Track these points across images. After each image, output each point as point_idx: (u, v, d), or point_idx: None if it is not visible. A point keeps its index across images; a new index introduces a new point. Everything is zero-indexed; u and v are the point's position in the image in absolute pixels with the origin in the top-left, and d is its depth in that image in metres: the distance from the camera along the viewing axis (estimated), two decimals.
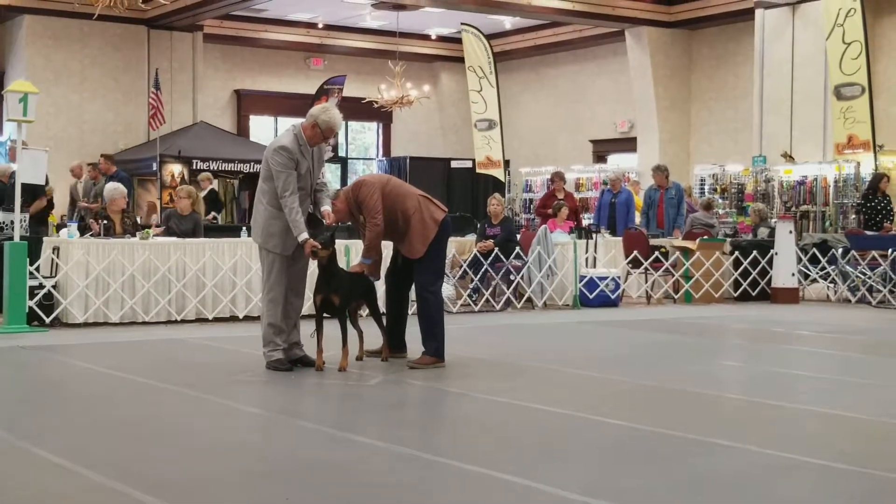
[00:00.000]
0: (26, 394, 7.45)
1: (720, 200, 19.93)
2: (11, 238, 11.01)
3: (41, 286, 10.91)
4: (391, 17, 24.09)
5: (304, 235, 7.86)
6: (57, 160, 18.69)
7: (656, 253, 14.58)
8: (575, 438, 5.94)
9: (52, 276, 11.11)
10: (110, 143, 22.03)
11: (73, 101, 22.22)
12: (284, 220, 7.93)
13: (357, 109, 25.22)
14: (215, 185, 18.37)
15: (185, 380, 7.66)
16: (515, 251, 13.51)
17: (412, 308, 8.96)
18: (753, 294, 14.94)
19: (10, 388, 7.66)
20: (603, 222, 16.49)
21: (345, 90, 24.77)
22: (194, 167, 20.55)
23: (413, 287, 8.57)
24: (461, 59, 24.83)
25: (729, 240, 15.77)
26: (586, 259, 14.26)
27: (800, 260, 15.08)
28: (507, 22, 25.23)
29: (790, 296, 14.76)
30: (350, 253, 11.93)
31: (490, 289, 13.44)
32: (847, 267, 14.79)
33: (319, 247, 7.87)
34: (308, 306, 9.08)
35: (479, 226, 14.60)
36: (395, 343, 8.69)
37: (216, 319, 11.68)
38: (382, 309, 8.83)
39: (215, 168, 20.82)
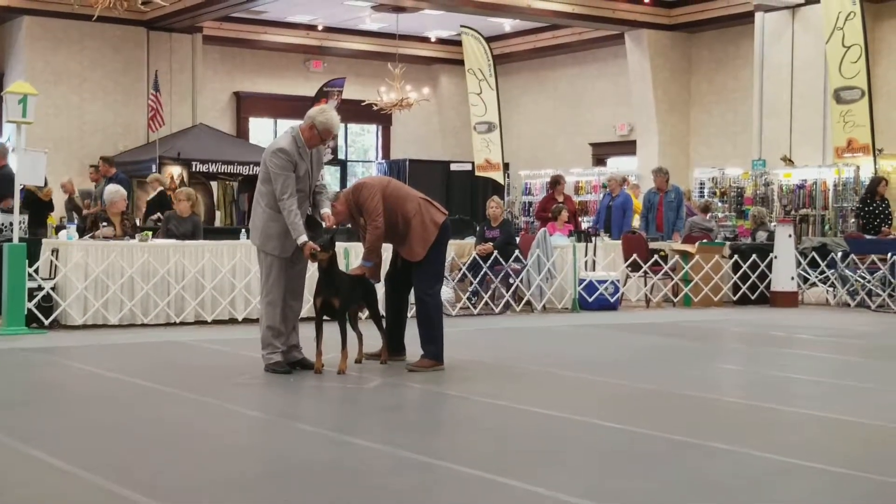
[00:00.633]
0: (25, 396, 7.43)
1: (719, 204, 19.94)
2: (10, 240, 11.01)
3: (40, 288, 10.90)
4: (391, 20, 24.10)
5: (303, 238, 7.84)
6: (56, 162, 18.72)
7: (655, 256, 14.58)
8: (574, 442, 5.94)
9: (52, 278, 11.10)
10: (110, 144, 22.02)
11: (72, 103, 22.21)
12: (283, 223, 7.91)
13: (356, 112, 25.23)
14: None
15: (184, 382, 7.65)
16: (514, 254, 13.51)
17: (411, 311, 8.95)
18: (752, 298, 14.94)
19: (9, 390, 7.65)
20: (601, 225, 16.49)
21: (344, 92, 24.79)
22: (193, 169, 20.55)
23: (412, 290, 8.56)
24: (461, 62, 24.83)
25: (728, 243, 15.78)
26: (585, 262, 14.26)
27: (799, 264, 15.07)
28: (507, 24, 25.24)
29: (789, 299, 14.76)
30: (349, 255, 11.92)
31: (489, 292, 13.43)
32: (846, 271, 14.79)
33: (318, 249, 7.86)
34: (307, 309, 9.08)
35: (478, 229, 14.60)
36: (394, 346, 8.68)
37: (215, 322, 11.67)
38: (382, 312, 8.82)
39: (214, 170, 20.82)
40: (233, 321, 11.79)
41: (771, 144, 20.32)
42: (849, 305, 14.76)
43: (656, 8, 22.88)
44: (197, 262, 11.70)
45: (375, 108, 23.98)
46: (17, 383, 8.04)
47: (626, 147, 24.77)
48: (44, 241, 11.78)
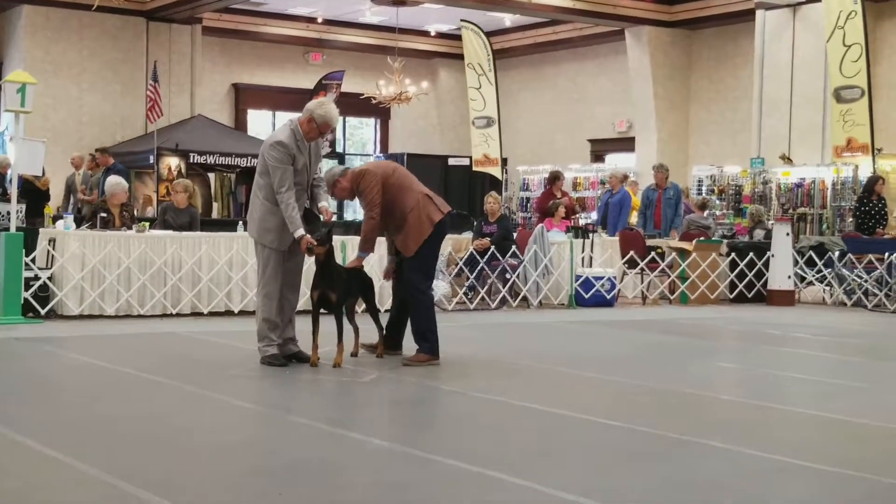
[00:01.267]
0: (20, 385, 7.43)
1: (717, 202, 19.93)
2: (7, 229, 10.99)
3: (37, 278, 10.89)
4: (391, 13, 24.05)
5: (301, 231, 7.83)
6: (55, 152, 18.66)
7: (653, 253, 14.58)
8: (569, 438, 5.93)
9: (48, 268, 11.09)
10: (108, 134, 21.99)
11: (71, 93, 22.16)
12: (281, 216, 7.90)
13: (355, 105, 25.16)
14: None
15: (180, 374, 7.65)
16: (511, 250, 13.50)
17: None
18: (749, 296, 14.94)
19: (4, 380, 7.64)
20: (599, 222, 16.50)
21: (343, 85, 24.74)
22: (191, 160, 20.51)
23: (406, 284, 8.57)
24: (460, 56, 24.80)
25: (725, 241, 15.78)
26: (582, 258, 14.25)
27: (796, 262, 15.08)
28: (507, 19, 25.20)
29: (786, 298, 14.76)
30: (346, 249, 11.91)
31: (486, 287, 13.43)
32: (843, 270, 14.79)
33: (315, 243, 7.85)
34: (304, 301, 9.07)
35: (475, 224, 14.59)
36: (391, 340, 8.67)
37: (211, 313, 11.66)
38: (379, 306, 8.82)
39: (212, 162, 20.78)
40: (229, 313, 11.78)
41: (770, 143, 20.31)
42: (845, 305, 14.77)
43: (657, 5, 22.85)
44: (194, 253, 11.69)
45: (374, 101, 23.93)
46: (12, 373, 8.03)
47: (625, 144, 24.75)
48: (41, 230, 11.77)
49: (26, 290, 10.74)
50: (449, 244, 13.57)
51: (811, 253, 15.24)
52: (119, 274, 11.25)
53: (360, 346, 8.59)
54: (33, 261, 11.01)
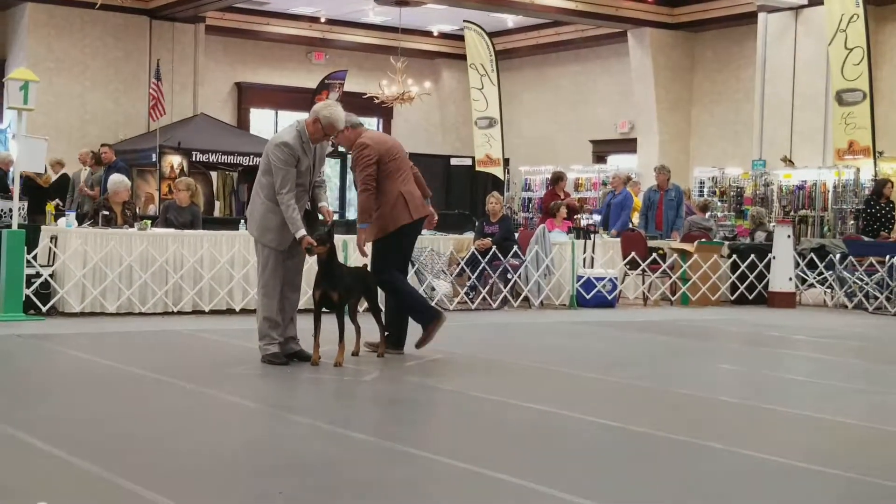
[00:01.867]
0: (21, 383, 7.44)
1: (719, 203, 19.93)
2: (9, 226, 11.00)
3: (38, 275, 10.90)
4: (393, 13, 24.07)
5: (302, 232, 7.83)
6: (57, 149, 18.68)
7: (654, 255, 14.58)
8: (569, 438, 5.94)
9: (50, 265, 11.10)
10: (110, 132, 21.99)
11: (74, 91, 22.18)
12: (282, 215, 7.89)
13: (358, 104, 25.10)
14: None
15: (180, 371, 7.65)
16: (513, 250, 13.51)
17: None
18: (750, 298, 14.94)
19: (5, 377, 7.65)
20: (602, 223, 16.51)
21: (346, 85, 24.76)
22: (193, 159, 20.53)
23: (406, 279, 8.78)
24: (463, 57, 24.81)
25: (727, 243, 15.78)
26: (584, 259, 14.26)
27: (797, 264, 15.08)
28: (510, 20, 25.22)
29: (787, 300, 14.76)
30: (347, 247, 11.92)
31: (487, 287, 13.44)
32: (844, 272, 14.79)
33: (315, 243, 7.85)
34: (306, 300, 9.08)
35: (477, 224, 14.60)
36: (393, 338, 8.68)
37: (212, 312, 11.67)
38: (381, 305, 8.82)
39: (215, 160, 20.80)
40: (230, 311, 11.80)
41: (771, 145, 20.31)
42: (846, 307, 14.76)
43: (660, 7, 22.86)
44: (195, 251, 11.70)
45: (377, 101, 23.95)
46: (13, 370, 8.04)
47: (627, 145, 24.76)
48: (43, 227, 11.79)
49: (28, 287, 10.75)
50: (451, 244, 13.59)
51: (812, 255, 15.24)
52: (120, 272, 11.26)
53: (363, 344, 8.60)
54: (35, 258, 11.02)
